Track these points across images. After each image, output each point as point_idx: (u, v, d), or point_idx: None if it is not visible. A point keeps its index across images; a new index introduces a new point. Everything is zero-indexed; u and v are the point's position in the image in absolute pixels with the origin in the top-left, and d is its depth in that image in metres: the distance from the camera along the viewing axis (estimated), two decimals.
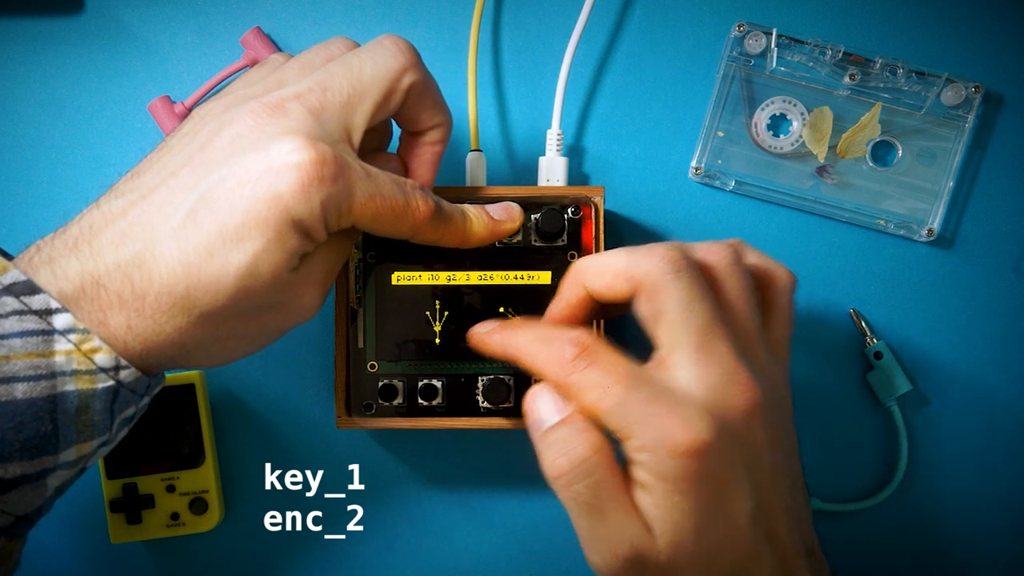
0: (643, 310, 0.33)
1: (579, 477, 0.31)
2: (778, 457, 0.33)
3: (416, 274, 0.41)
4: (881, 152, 0.46)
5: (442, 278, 0.41)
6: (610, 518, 0.31)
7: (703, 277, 0.33)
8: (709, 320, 0.32)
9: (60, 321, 0.29)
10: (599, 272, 0.34)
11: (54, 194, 0.45)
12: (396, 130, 0.40)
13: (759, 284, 0.36)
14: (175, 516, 0.44)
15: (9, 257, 0.30)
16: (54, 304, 0.29)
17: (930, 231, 0.45)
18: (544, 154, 0.44)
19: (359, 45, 0.36)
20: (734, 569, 0.32)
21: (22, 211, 0.45)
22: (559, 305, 0.36)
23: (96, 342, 0.29)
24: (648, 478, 0.31)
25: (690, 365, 0.32)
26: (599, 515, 0.31)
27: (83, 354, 0.29)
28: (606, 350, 0.33)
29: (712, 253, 0.34)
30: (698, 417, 0.30)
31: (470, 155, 0.43)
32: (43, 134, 0.45)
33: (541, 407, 0.33)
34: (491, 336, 0.36)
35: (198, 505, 0.44)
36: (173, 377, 0.44)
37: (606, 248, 0.39)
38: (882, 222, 0.45)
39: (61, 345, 0.28)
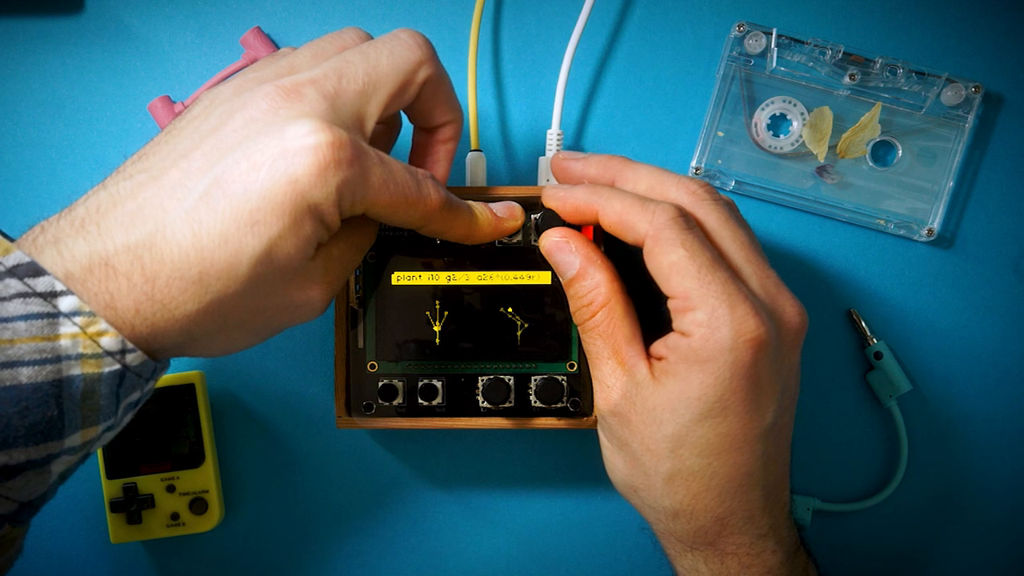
0: None
1: (590, 327, 0.37)
2: (798, 386, 0.37)
3: (416, 274, 0.41)
4: (881, 152, 0.46)
5: (442, 278, 0.41)
6: (606, 366, 0.36)
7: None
8: (749, 238, 0.36)
9: (65, 303, 0.28)
10: (638, 178, 0.38)
11: (54, 194, 0.45)
12: (403, 135, 0.40)
13: None
14: (175, 516, 0.44)
15: (11, 240, 0.30)
16: (59, 286, 0.28)
17: (930, 231, 0.45)
18: (544, 154, 0.44)
19: (371, 36, 0.36)
20: (733, 471, 0.34)
21: (22, 211, 0.45)
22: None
23: (102, 325, 0.28)
24: (690, 353, 0.33)
25: (747, 272, 0.35)
26: (599, 362, 0.37)
27: (89, 337, 0.28)
28: (699, 230, 0.36)
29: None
30: (766, 314, 0.34)
31: (470, 155, 0.43)
32: (43, 134, 0.45)
33: (562, 255, 0.38)
34: (564, 194, 0.38)
35: (198, 505, 0.44)
36: (173, 377, 0.44)
37: (606, 249, 0.39)
38: (882, 222, 0.45)
39: (66, 328, 0.28)
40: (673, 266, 0.34)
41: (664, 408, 0.34)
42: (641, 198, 0.36)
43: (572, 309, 0.38)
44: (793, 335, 0.35)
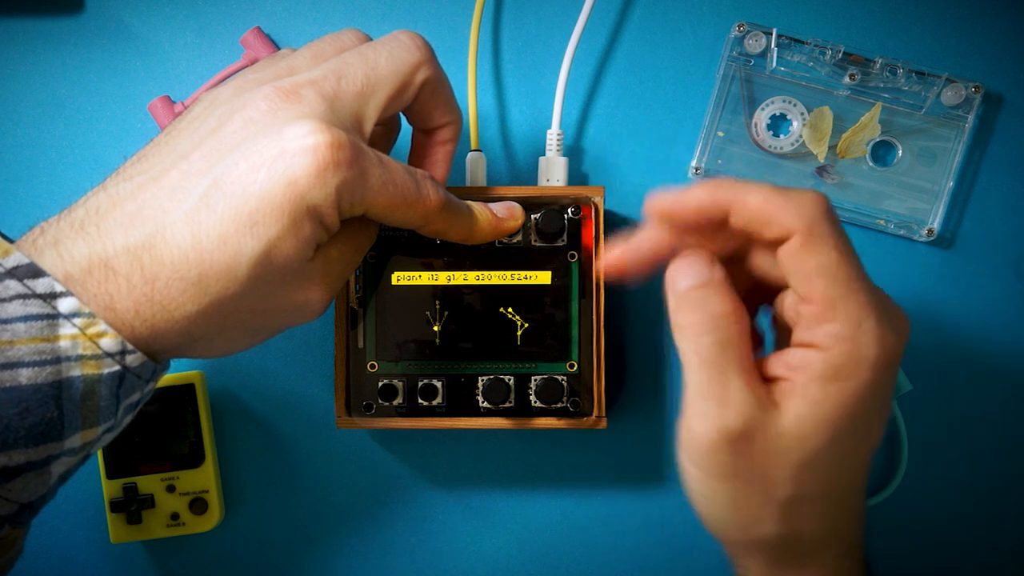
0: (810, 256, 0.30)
1: (709, 330, 0.31)
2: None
3: (416, 274, 0.41)
4: (881, 152, 0.46)
5: (442, 278, 0.41)
6: (731, 383, 0.30)
7: None
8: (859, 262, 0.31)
9: (65, 305, 0.28)
10: (759, 197, 0.30)
11: (54, 194, 0.45)
12: (403, 136, 0.40)
13: None
14: (175, 516, 0.44)
15: (11, 241, 0.30)
16: (58, 288, 0.28)
17: (930, 231, 0.45)
18: (544, 154, 0.44)
19: (370, 37, 0.36)
20: (841, 494, 0.32)
21: (22, 211, 0.45)
22: (689, 197, 0.32)
23: (102, 326, 0.28)
24: (829, 369, 0.29)
25: (872, 291, 0.30)
26: (719, 376, 0.30)
27: (88, 338, 0.28)
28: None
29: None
30: (899, 330, 0.30)
31: (470, 155, 0.43)
32: (43, 134, 0.45)
33: (683, 273, 0.32)
34: (676, 196, 0.32)
35: (198, 505, 0.44)
36: (173, 377, 0.44)
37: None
38: (882, 222, 0.45)
39: (66, 329, 0.28)
40: (823, 269, 0.29)
41: (791, 435, 0.30)
42: (781, 188, 0.31)
43: (683, 312, 0.31)
44: (897, 356, 0.31)
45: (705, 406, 0.31)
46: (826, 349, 0.29)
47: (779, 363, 0.31)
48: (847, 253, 0.30)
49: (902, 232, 0.45)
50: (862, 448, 0.32)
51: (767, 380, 0.31)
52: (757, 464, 0.30)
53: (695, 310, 0.31)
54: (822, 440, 0.30)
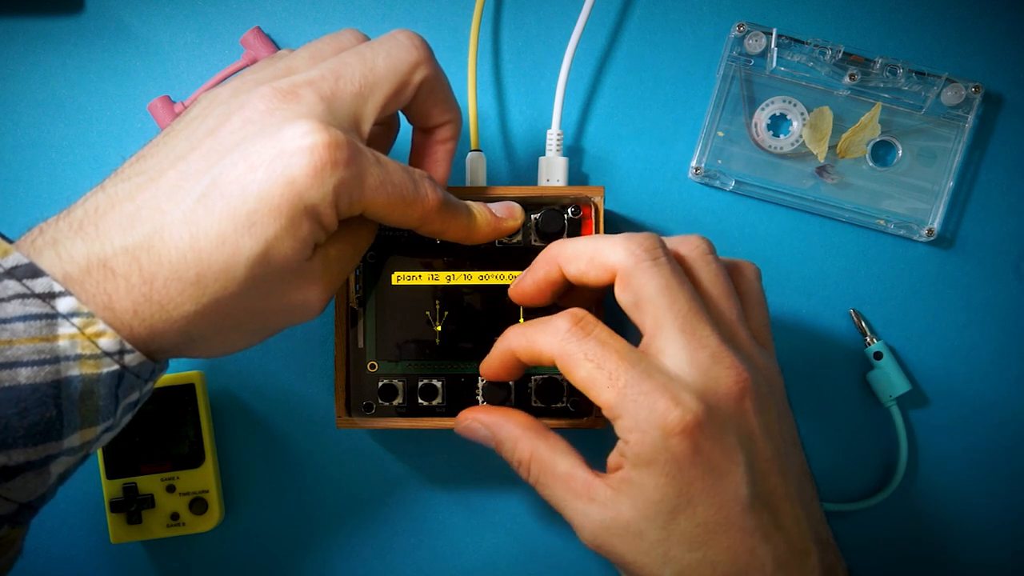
0: (623, 297, 0.34)
1: (534, 483, 0.36)
2: (777, 444, 0.34)
3: (416, 274, 0.41)
4: (881, 152, 0.46)
5: (442, 278, 0.41)
6: (568, 507, 0.34)
7: (680, 265, 0.34)
8: (690, 305, 0.33)
9: (63, 304, 0.28)
10: (576, 256, 0.35)
11: (54, 194, 0.45)
12: (402, 134, 0.40)
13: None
14: (175, 516, 0.44)
15: (9, 241, 0.30)
16: (57, 287, 0.28)
17: (930, 231, 0.45)
18: (544, 154, 0.44)
19: (368, 38, 0.36)
20: (731, 555, 0.32)
21: (22, 211, 0.45)
22: (528, 280, 0.37)
23: (100, 326, 0.28)
24: (635, 459, 0.32)
25: (676, 348, 0.33)
26: (561, 508, 0.35)
27: (87, 338, 0.28)
28: (602, 325, 0.34)
29: (685, 244, 0.36)
30: (689, 396, 0.32)
31: (470, 155, 0.43)
32: (43, 134, 0.45)
33: (476, 435, 0.38)
34: (487, 361, 0.38)
35: (198, 505, 0.44)
36: (173, 377, 0.44)
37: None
38: (882, 222, 0.45)
39: (65, 329, 0.28)
40: (584, 381, 0.33)
41: (639, 518, 0.32)
42: (540, 322, 0.35)
43: (513, 469, 0.37)
44: (734, 402, 0.32)
45: (574, 529, 0.35)
46: (627, 441, 0.32)
47: (616, 453, 0.33)
48: (601, 357, 0.33)
49: (902, 232, 0.45)
50: (725, 510, 0.32)
51: (612, 471, 0.33)
52: (630, 552, 0.33)
53: (514, 468, 0.37)
54: (664, 515, 0.32)
